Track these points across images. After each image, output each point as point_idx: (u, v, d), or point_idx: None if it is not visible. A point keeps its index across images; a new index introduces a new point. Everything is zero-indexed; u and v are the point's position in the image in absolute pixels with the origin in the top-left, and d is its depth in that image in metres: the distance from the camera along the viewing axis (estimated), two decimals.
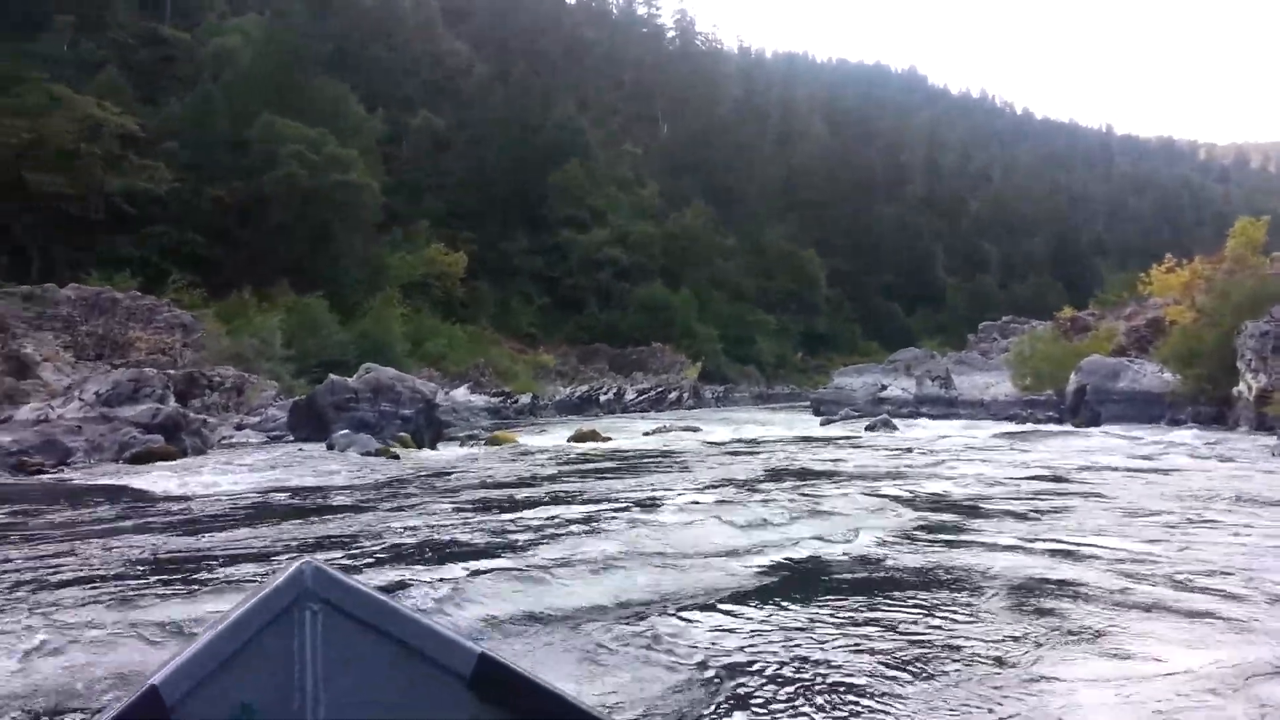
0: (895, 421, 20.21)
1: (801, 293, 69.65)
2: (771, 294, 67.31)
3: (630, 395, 38.41)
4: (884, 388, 28.77)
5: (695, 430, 19.24)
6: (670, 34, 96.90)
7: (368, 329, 34.64)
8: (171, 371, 16.16)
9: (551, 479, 10.99)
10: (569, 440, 17.31)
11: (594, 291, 54.17)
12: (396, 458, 13.67)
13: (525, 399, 32.93)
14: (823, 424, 23.39)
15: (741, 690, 3.51)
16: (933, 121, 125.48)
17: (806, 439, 17.42)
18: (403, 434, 15.80)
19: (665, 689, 3.50)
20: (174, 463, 12.86)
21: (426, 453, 15.19)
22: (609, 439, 17.33)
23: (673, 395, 39.27)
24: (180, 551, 6.33)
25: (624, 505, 8.16)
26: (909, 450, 14.60)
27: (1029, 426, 20.51)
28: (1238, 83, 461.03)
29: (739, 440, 17.19)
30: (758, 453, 14.37)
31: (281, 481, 10.73)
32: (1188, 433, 16.72)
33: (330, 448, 14.46)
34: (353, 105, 48.46)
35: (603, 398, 36.90)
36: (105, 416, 12.57)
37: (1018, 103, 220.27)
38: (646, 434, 18.70)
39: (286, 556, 5.97)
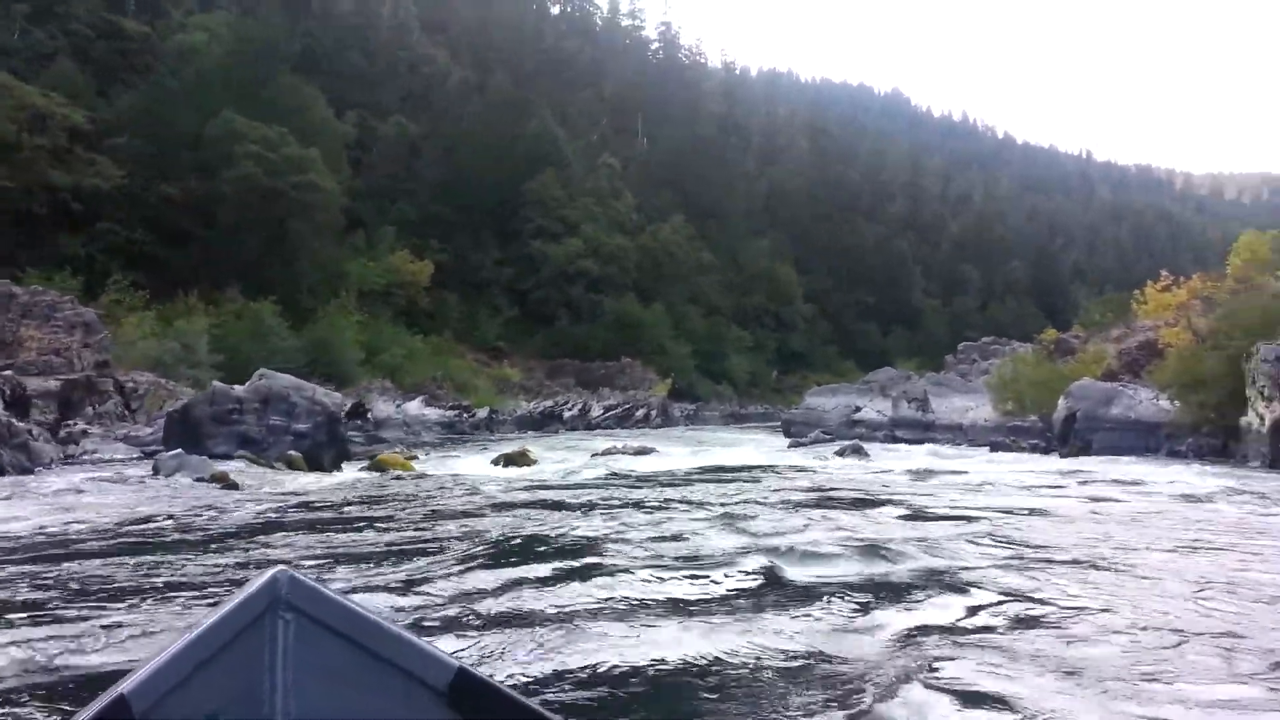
0: (868, 447, 18.73)
1: (778, 310, 68.62)
2: (747, 310, 66.20)
3: (596, 412, 36.89)
4: (858, 409, 27.36)
5: (649, 452, 17.64)
6: (654, 46, 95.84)
7: (319, 336, 32.96)
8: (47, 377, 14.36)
9: (412, 525, 8.19)
10: (492, 462, 15.27)
11: (564, 305, 52.62)
12: (235, 486, 11.16)
13: (482, 413, 31.33)
14: (790, 446, 21.91)
15: None
16: (915, 143, 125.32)
17: (768, 467, 15.56)
18: (293, 453, 13.82)
19: None
20: None
21: (293, 479, 12.54)
22: (535, 463, 15.29)
23: (640, 412, 37.77)
24: None
25: (467, 588, 5.61)
26: (880, 480, 12.97)
27: (1013, 456, 19.03)
28: (1215, 112, 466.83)
29: (694, 467, 15.31)
30: (708, 482, 12.54)
31: (26, 520, 8.18)
32: (1191, 467, 15.15)
33: (156, 472, 12.07)
34: (320, 107, 46.87)
35: (566, 414, 35.34)
36: None
37: (999, 126, 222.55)
38: (595, 455, 17.10)
39: None
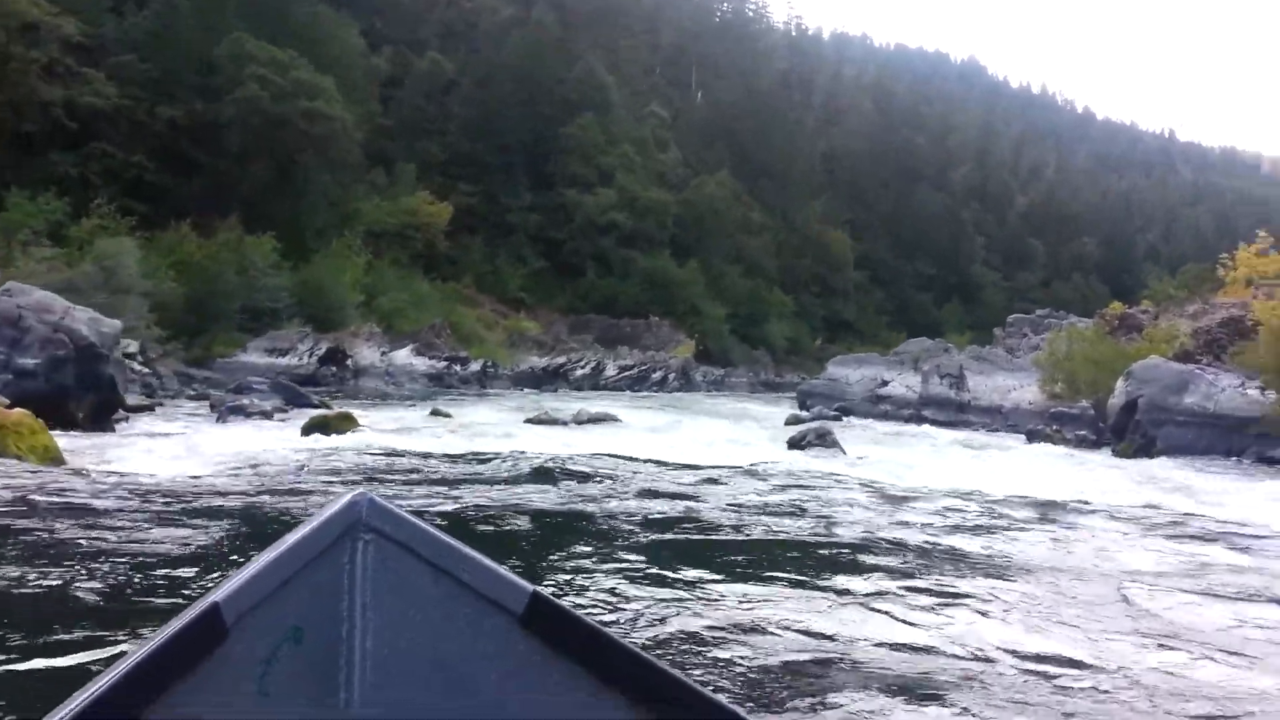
0: (876, 428, 15.59)
1: (827, 275, 65.04)
2: (795, 274, 62.73)
3: (610, 371, 34.28)
4: (884, 383, 24.27)
5: (604, 421, 14.63)
6: None
7: (310, 276, 30.60)
8: None
9: None
10: (303, 431, 11.62)
11: (594, 257, 49.77)
12: None
13: (475, 366, 28.80)
14: (788, 423, 18.65)
15: None
16: (990, 113, 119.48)
17: (691, 470, 10.61)
18: None
19: None
20: None
21: None
22: (359, 431, 11.53)
23: (658, 375, 35.04)
24: None
25: None
26: (804, 504, 8.71)
27: (1049, 451, 15.65)
28: None
29: (618, 456, 11.10)
30: (589, 480, 9.09)
31: None
32: None
33: None
34: (347, 37, 44.39)
35: (576, 373, 32.77)
36: None
37: (1079, 100, 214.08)
38: (528, 420, 14.20)
39: None
